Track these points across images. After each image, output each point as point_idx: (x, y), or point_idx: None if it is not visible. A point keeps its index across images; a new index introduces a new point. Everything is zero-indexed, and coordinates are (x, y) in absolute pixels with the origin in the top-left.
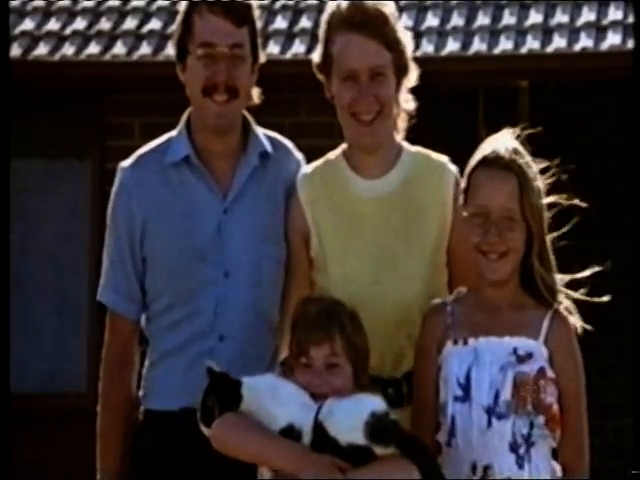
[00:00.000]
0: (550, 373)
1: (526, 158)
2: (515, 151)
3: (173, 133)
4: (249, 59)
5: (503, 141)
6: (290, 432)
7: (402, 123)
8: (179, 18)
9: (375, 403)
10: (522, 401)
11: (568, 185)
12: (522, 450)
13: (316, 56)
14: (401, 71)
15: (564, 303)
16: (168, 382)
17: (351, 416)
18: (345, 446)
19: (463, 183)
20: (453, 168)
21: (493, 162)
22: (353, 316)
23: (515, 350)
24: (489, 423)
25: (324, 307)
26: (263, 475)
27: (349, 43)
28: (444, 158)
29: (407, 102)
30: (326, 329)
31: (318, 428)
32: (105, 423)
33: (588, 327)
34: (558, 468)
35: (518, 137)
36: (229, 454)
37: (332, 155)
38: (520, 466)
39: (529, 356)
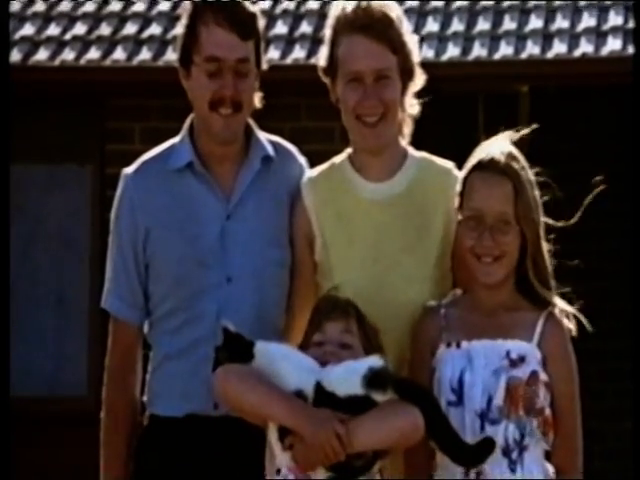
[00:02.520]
0: (543, 376)
1: (522, 162)
2: (510, 155)
3: (176, 139)
4: (254, 71)
5: (499, 145)
6: (299, 397)
7: (407, 128)
8: (184, 24)
9: (373, 360)
10: (514, 406)
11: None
12: (515, 455)
13: (321, 59)
14: (407, 74)
15: (560, 305)
16: (172, 387)
17: (349, 372)
18: (344, 398)
19: (458, 187)
20: (458, 173)
21: (488, 166)
22: (370, 321)
23: (508, 353)
24: (482, 428)
25: (344, 297)
26: (270, 437)
27: (354, 45)
28: (449, 164)
29: (412, 106)
30: (343, 308)
31: (318, 388)
32: (109, 430)
33: (588, 328)
34: (551, 470)
35: (516, 143)
36: (228, 403)
37: (337, 159)
38: (512, 470)
39: (522, 360)
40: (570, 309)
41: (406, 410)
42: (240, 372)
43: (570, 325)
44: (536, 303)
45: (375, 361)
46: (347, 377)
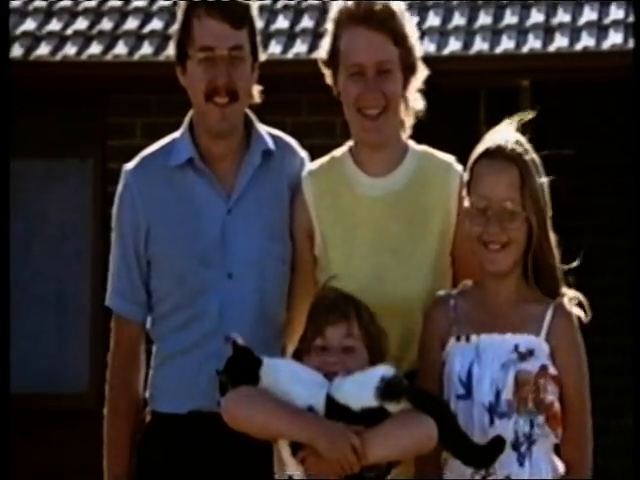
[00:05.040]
0: (552, 370)
1: (528, 149)
2: (517, 142)
3: (176, 135)
4: (249, 59)
5: (505, 133)
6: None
7: (409, 122)
8: (178, 21)
9: (384, 369)
10: (523, 400)
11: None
12: (523, 448)
13: (322, 52)
14: (409, 69)
15: (568, 294)
16: (176, 384)
17: (361, 385)
18: (358, 411)
19: (466, 175)
20: (459, 168)
21: (495, 153)
22: (367, 307)
23: (516, 347)
24: (491, 421)
25: (341, 294)
26: (282, 453)
27: (356, 37)
28: (450, 158)
29: (415, 101)
30: (343, 310)
31: (329, 401)
32: (113, 428)
33: (585, 319)
34: (560, 464)
35: (522, 131)
36: (239, 427)
37: (338, 152)
38: (521, 464)
39: (530, 353)
40: (578, 296)
41: (420, 420)
42: (248, 394)
43: (581, 313)
44: (544, 293)
45: (386, 370)
46: (360, 390)
